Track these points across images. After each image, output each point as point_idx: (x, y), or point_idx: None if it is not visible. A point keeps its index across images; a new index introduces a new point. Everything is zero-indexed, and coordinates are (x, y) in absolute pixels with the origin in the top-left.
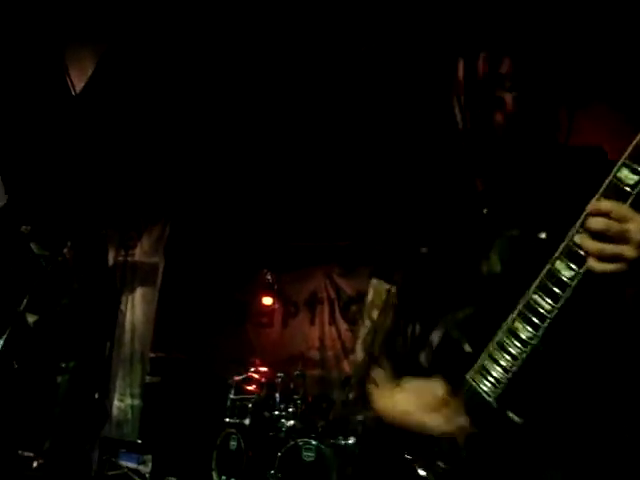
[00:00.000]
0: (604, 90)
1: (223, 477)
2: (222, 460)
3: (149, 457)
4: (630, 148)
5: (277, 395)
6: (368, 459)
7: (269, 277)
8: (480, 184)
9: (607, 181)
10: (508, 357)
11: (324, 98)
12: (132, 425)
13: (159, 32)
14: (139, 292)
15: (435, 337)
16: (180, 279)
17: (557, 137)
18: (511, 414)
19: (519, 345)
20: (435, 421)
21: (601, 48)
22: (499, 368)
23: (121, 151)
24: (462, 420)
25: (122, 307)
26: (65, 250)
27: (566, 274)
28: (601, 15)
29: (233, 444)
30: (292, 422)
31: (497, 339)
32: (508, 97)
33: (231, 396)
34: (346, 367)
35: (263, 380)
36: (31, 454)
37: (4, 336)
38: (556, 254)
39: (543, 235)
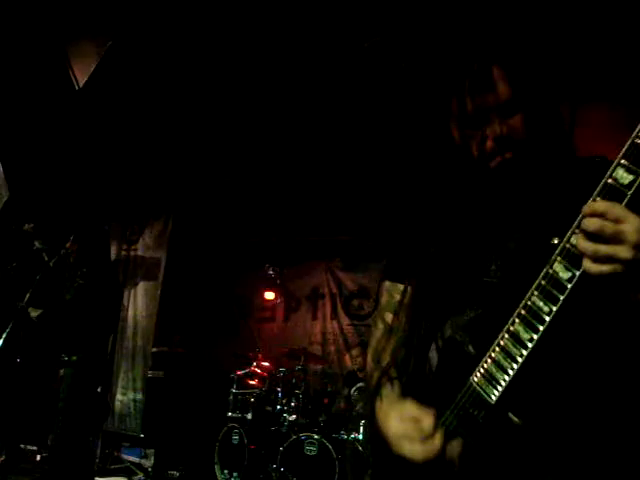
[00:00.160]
0: (605, 88)
1: (225, 471)
2: (224, 454)
3: (151, 451)
4: (625, 147)
5: (279, 389)
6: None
7: (271, 272)
8: (487, 187)
9: (603, 181)
10: (509, 359)
11: (327, 91)
12: (135, 419)
13: (161, 27)
14: (142, 286)
15: (441, 339)
16: (183, 274)
17: (564, 139)
18: (511, 415)
19: (520, 347)
20: (419, 453)
21: (603, 47)
22: (501, 370)
23: (124, 146)
24: (446, 450)
25: (125, 301)
26: (68, 244)
27: (564, 276)
28: (602, 14)
29: (235, 438)
30: (294, 416)
31: (499, 341)
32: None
33: (233, 390)
34: (347, 361)
35: (265, 374)
36: (34, 447)
37: (6, 330)
38: (554, 256)
39: (556, 241)
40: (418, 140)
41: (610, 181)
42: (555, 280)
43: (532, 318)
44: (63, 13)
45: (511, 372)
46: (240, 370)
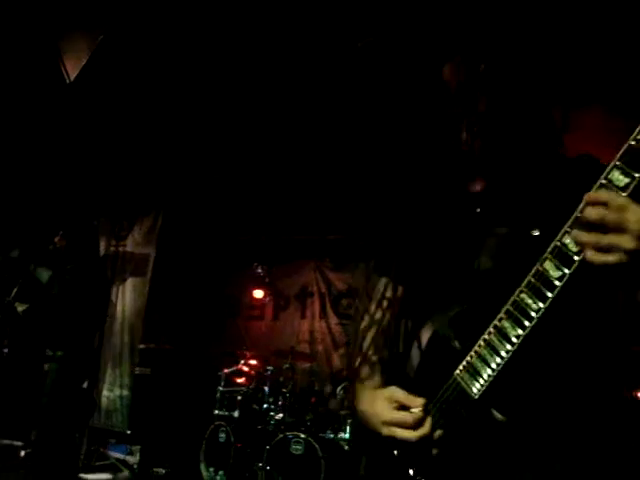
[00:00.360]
0: (601, 92)
1: (211, 469)
2: (210, 452)
3: (137, 448)
4: (622, 150)
5: (266, 388)
6: (358, 456)
7: (260, 270)
8: (474, 184)
9: (598, 182)
10: (495, 355)
11: (316, 91)
12: (121, 415)
13: (153, 22)
14: (130, 283)
15: (426, 334)
16: (171, 270)
17: (551, 138)
18: (495, 411)
19: (506, 344)
20: (400, 433)
21: (598, 50)
22: (486, 366)
23: (114, 141)
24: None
25: (113, 297)
26: (56, 239)
27: (554, 274)
28: (598, 18)
29: (222, 436)
30: (281, 415)
31: (485, 337)
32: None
33: (220, 388)
34: (336, 361)
35: (253, 373)
36: (20, 443)
37: None
38: (545, 254)
39: (536, 232)
40: (411, 136)
41: (605, 182)
42: (545, 278)
43: (519, 314)
44: (55, 6)
45: (496, 368)
46: (227, 368)
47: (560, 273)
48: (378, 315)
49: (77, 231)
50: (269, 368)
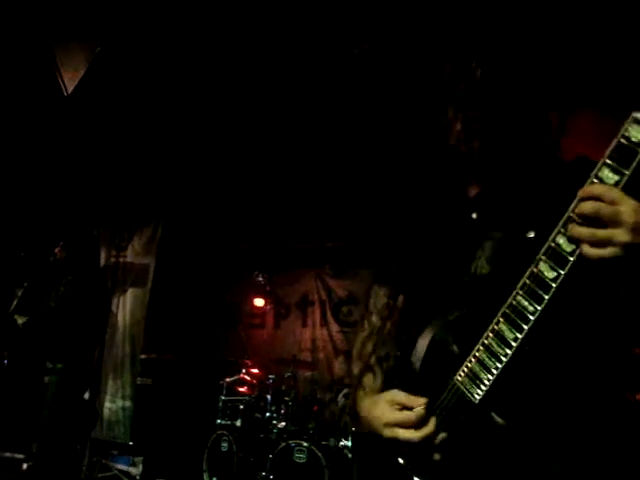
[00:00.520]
0: (597, 95)
1: (214, 479)
2: (213, 462)
3: (140, 459)
4: (610, 148)
5: (268, 397)
6: (362, 463)
7: (261, 279)
8: (470, 190)
9: (589, 181)
10: (493, 359)
11: (315, 100)
12: (123, 427)
13: (150, 31)
14: (130, 293)
15: (424, 339)
16: (172, 280)
17: (548, 142)
18: (494, 415)
19: (504, 347)
20: (402, 434)
21: (593, 54)
22: (485, 370)
23: (114, 152)
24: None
25: (113, 308)
26: (57, 250)
27: (549, 276)
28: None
29: (224, 446)
30: (283, 424)
31: (483, 340)
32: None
33: (222, 397)
34: (337, 369)
35: (254, 382)
36: (21, 456)
37: None
38: (539, 256)
39: (531, 234)
40: (409, 143)
41: (595, 181)
42: (540, 279)
43: (516, 317)
44: (52, 15)
45: (495, 372)
46: (229, 377)
47: (555, 274)
48: (379, 324)
49: (78, 242)
50: (271, 377)
